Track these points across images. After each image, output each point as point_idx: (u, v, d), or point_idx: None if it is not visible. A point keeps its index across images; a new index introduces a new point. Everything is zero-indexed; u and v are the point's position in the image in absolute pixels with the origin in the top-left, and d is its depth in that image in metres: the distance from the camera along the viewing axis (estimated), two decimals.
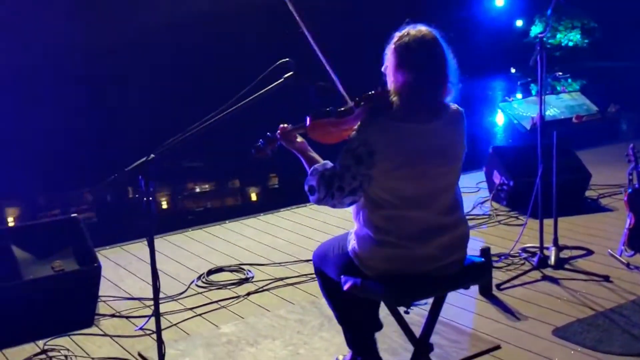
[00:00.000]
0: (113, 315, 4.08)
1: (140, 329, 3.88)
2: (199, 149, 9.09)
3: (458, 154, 2.85)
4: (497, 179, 5.85)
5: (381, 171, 2.72)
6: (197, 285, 4.46)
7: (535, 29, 19.63)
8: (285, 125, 3.07)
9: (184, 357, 3.55)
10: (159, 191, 9.48)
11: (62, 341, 3.77)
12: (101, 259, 4.86)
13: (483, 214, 5.64)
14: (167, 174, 9.01)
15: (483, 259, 3.01)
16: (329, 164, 2.88)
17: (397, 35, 2.78)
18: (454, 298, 4.08)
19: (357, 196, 2.81)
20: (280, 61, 3.07)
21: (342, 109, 2.89)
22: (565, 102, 4.56)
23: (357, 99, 2.83)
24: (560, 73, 4.82)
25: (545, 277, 4.34)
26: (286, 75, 3.05)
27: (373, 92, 2.81)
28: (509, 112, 4.45)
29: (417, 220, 2.79)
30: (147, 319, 3.93)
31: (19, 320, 3.89)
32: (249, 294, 4.29)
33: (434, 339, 3.57)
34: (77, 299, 4.08)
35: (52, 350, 3.67)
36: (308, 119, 2.95)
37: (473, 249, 4.17)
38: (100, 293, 4.30)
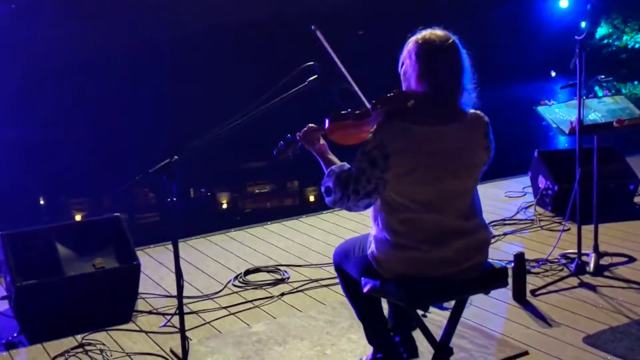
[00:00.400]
0: (150, 312, 4.19)
1: (164, 326, 3.98)
2: (266, 149, 9.24)
3: (476, 159, 2.84)
4: (542, 183, 5.77)
5: (396, 174, 2.74)
6: (233, 285, 4.54)
7: (601, 31, 19.19)
8: (312, 125, 3.10)
9: (213, 354, 3.63)
10: (220, 191, 9.68)
11: (99, 336, 3.89)
12: (146, 257, 5.04)
13: (526, 219, 5.57)
14: (233, 174, 9.19)
15: (504, 265, 2.98)
16: (346, 165, 2.91)
17: (418, 40, 2.78)
18: (486, 303, 4.07)
19: (373, 199, 2.84)
20: (306, 64, 3.13)
21: (360, 111, 2.92)
22: (607, 106, 4.47)
23: (374, 101, 2.86)
24: (603, 76, 4.71)
25: (582, 284, 4.27)
26: (311, 79, 3.11)
27: (390, 94, 2.83)
28: (548, 116, 4.39)
29: (433, 224, 2.79)
30: (170, 316, 4.04)
31: (59, 315, 4.03)
32: (282, 294, 4.35)
33: (461, 343, 3.58)
34: (116, 296, 4.21)
35: (89, 344, 3.80)
36: (327, 121, 2.99)
37: (511, 253, 4.18)
38: (141, 290, 4.43)
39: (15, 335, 3.95)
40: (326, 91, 3.08)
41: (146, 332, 3.93)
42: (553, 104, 4.47)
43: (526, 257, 4.68)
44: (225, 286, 4.52)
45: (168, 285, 4.58)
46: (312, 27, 3.04)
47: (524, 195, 6.22)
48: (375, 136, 2.77)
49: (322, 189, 2.92)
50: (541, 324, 3.81)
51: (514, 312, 3.97)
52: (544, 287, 4.21)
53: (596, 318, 3.84)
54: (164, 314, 4.16)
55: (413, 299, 2.80)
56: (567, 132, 4.26)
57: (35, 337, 3.92)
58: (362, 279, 2.95)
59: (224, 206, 9.76)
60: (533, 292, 4.17)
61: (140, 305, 4.30)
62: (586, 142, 4.64)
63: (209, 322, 4.03)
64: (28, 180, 9.94)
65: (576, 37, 4.01)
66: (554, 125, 4.33)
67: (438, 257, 2.80)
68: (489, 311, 3.99)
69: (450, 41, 2.77)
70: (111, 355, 3.68)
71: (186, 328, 3.91)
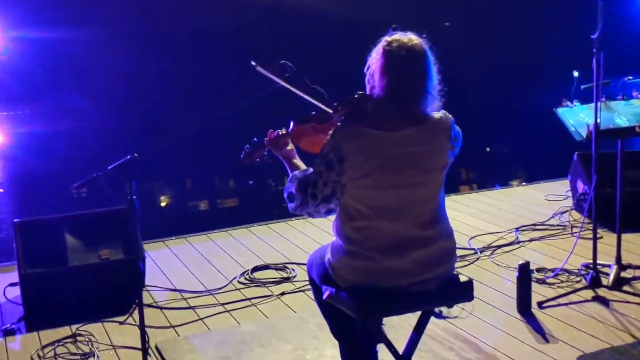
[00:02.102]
0: (149, 305, 4.21)
1: (122, 323, 3.99)
2: None
3: (438, 165, 2.69)
4: (580, 187, 5.47)
5: (351, 178, 2.64)
6: (238, 281, 4.52)
7: None
8: (280, 130, 3.03)
9: (193, 352, 3.61)
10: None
11: (93, 327, 3.94)
12: (164, 249, 5.09)
13: (559, 225, 5.30)
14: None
15: (469, 277, 2.82)
16: (310, 170, 2.82)
17: (386, 40, 2.69)
18: (487, 313, 3.89)
19: (332, 205, 2.74)
20: (279, 62, 3.06)
21: (323, 114, 2.83)
22: (634, 109, 4.18)
23: (335, 104, 2.77)
24: (631, 78, 4.39)
25: (596, 298, 4.02)
26: (281, 77, 3.04)
27: (351, 97, 2.73)
28: (567, 118, 4.14)
29: (389, 232, 2.67)
30: (133, 308, 4.06)
31: (62, 304, 4.10)
32: (283, 293, 4.29)
33: (447, 355, 3.45)
34: (118, 288, 4.25)
35: (80, 335, 3.84)
36: (292, 123, 2.92)
37: (529, 261, 3.94)
38: (148, 282, 4.47)
39: (15, 322, 4.05)
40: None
41: (138, 326, 3.94)
42: (575, 105, 4.21)
43: (546, 265, 4.49)
44: (229, 282, 4.50)
45: (175, 279, 4.60)
46: (252, 62, 2.99)
47: (566, 199, 5.92)
48: (332, 139, 2.67)
49: (285, 195, 2.84)
50: (538, 339, 3.61)
51: (514, 325, 3.78)
52: (552, 299, 3.99)
53: (599, 336, 3.60)
54: (161, 308, 4.17)
55: (362, 309, 2.68)
56: (584, 136, 4.00)
57: (35, 325, 4.00)
58: (322, 286, 2.86)
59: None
60: (540, 304, 3.95)
61: (144, 297, 4.31)
62: (628, 145, 4.39)
63: (202, 319, 4.02)
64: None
65: (592, 36, 3.76)
66: (572, 129, 4.08)
67: (392, 267, 2.67)
68: (488, 322, 3.81)
69: (416, 44, 2.65)
70: (97, 348, 3.71)
71: (179, 323, 3.97)
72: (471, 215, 5.67)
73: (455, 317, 3.87)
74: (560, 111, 4.19)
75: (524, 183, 7.74)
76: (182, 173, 9.77)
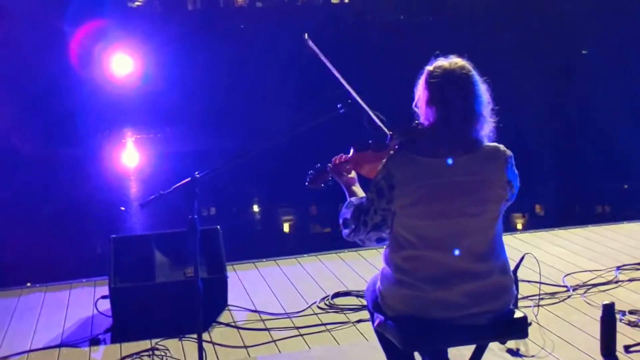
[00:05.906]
0: (228, 325, 4.29)
1: (180, 338, 4.06)
2: None
3: (490, 195, 2.61)
4: None
5: (400, 206, 2.61)
6: (317, 306, 4.52)
7: None
8: (343, 156, 3.04)
9: None
10: None
11: (170, 342, 4.05)
12: (252, 270, 5.19)
13: None
14: None
15: (524, 314, 2.69)
16: (365, 197, 2.81)
17: (429, 69, 2.66)
18: (568, 353, 3.71)
19: (384, 233, 2.72)
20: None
21: (379, 142, 2.83)
22: None
23: (391, 132, 2.76)
24: None
25: None
26: (340, 105, 3.05)
27: (406, 125, 2.71)
28: None
29: (438, 263, 2.61)
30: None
31: (147, 318, 4.27)
32: (359, 321, 4.26)
33: None
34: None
35: (157, 349, 3.97)
36: (352, 150, 2.93)
37: (623, 301, 3.69)
38: (231, 302, 4.57)
39: (102, 332, 4.23)
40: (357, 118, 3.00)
41: (213, 344, 4.03)
42: None
43: None
44: (309, 307, 4.51)
45: (258, 300, 4.66)
46: (305, 35, 2.97)
47: None
48: (385, 167, 2.66)
49: (340, 221, 2.84)
50: None
51: None
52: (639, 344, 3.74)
53: None
54: (237, 328, 4.24)
55: (408, 340, 2.63)
56: None
57: (120, 337, 4.17)
58: (374, 313, 2.83)
59: None
60: (627, 348, 3.71)
61: (224, 316, 4.42)
62: None
63: (274, 341, 4.05)
64: (245, 186, 10.56)
65: None
66: None
67: (439, 299, 2.60)
68: None
69: (459, 66, 2.60)
70: None
71: (252, 344, 4.02)
72: (572, 251, 5.41)
73: (533, 356, 3.70)
74: None
75: None
76: (308, 198, 9.90)
